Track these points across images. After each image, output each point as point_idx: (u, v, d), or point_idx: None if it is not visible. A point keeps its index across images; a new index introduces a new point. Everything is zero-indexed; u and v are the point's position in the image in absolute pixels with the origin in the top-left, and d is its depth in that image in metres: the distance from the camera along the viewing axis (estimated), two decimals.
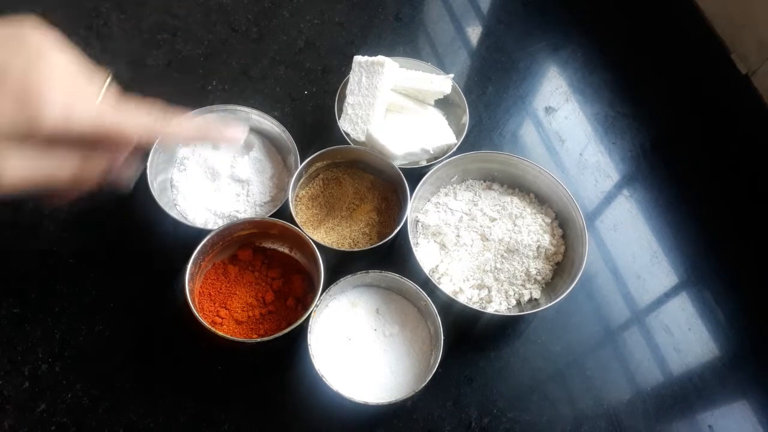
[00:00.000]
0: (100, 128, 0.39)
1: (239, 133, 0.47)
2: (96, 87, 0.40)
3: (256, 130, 0.67)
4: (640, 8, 0.90)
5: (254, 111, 0.65)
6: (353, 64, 0.65)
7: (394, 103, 0.67)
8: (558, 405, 0.58)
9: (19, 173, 0.38)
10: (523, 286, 0.61)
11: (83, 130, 0.38)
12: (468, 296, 0.59)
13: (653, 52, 0.86)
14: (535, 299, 0.61)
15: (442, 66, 0.76)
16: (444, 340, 0.53)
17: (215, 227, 0.56)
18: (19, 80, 0.36)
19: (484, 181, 0.68)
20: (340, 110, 0.66)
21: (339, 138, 0.64)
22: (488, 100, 0.79)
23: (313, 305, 0.52)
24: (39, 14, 0.81)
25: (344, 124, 0.64)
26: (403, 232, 0.58)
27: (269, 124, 0.65)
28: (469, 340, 0.60)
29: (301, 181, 0.63)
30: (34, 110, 0.36)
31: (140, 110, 0.41)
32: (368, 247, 0.59)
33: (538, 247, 0.62)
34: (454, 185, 0.67)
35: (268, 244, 0.60)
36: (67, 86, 0.38)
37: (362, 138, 0.63)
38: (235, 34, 0.80)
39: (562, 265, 0.63)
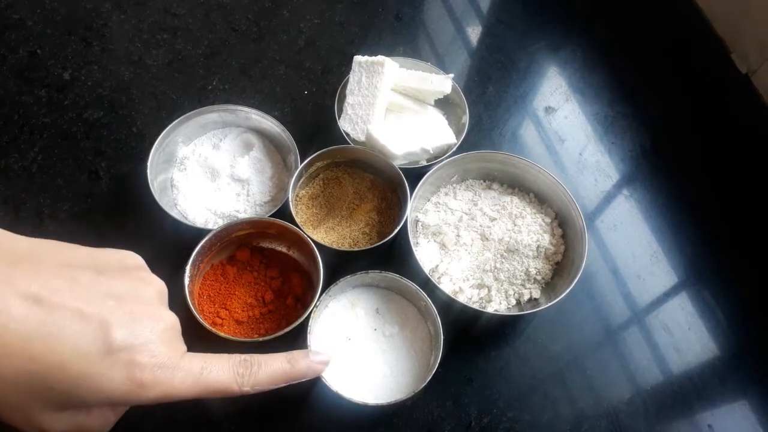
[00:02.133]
0: (216, 390, 0.39)
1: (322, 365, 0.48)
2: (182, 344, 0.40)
3: (256, 130, 0.67)
4: (640, 8, 0.90)
5: (254, 111, 0.65)
6: (353, 64, 0.65)
7: (394, 103, 0.67)
8: (558, 405, 0.58)
9: (66, 430, 0.36)
10: (522, 285, 0.61)
11: (181, 396, 0.38)
12: (468, 296, 0.60)
13: (653, 51, 0.86)
14: (535, 299, 0.61)
15: (442, 66, 0.76)
16: (444, 339, 0.53)
17: (215, 227, 0.56)
18: (127, 348, 0.35)
19: (484, 181, 0.68)
20: (340, 110, 0.66)
21: (339, 138, 0.64)
22: (488, 100, 0.79)
23: (313, 304, 0.52)
24: (39, 14, 0.81)
25: (344, 124, 0.64)
26: (403, 231, 0.58)
27: (269, 123, 0.65)
28: (469, 339, 0.60)
29: (301, 180, 0.63)
30: (140, 383, 0.35)
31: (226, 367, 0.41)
32: (368, 246, 0.59)
33: (538, 246, 0.62)
34: (454, 185, 0.67)
35: (266, 244, 0.60)
36: (175, 347, 0.38)
37: (362, 138, 0.63)
38: (235, 33, 0.80)
39: (561, 264, 0.63)
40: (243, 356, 0.41)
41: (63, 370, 0.32)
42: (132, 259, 0.40)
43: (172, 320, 0.40)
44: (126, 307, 0.36)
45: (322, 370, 0.47)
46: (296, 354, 0.44)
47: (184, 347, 0.39)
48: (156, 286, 0.41)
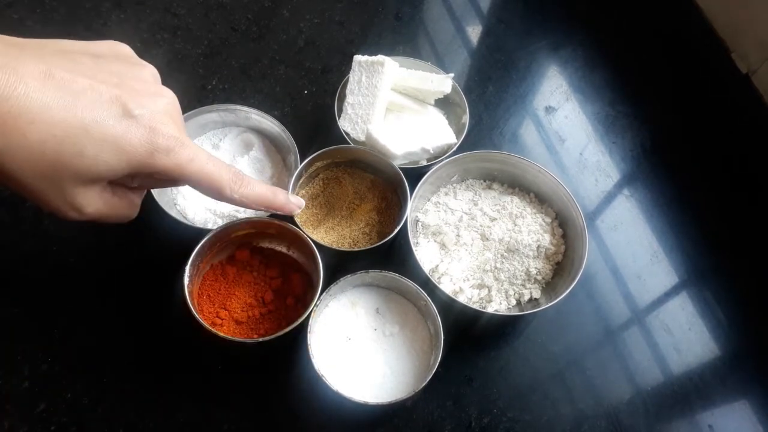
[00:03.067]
0: (210, 185, 0.44)
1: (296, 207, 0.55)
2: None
3: (256, 130, 0.67)
4: (641, 8, 0.90)
5: (254, 110, 0.65)
6: (353, 64, 0.65)
7: (394, 103, 0.67)
8: (558, 405, 0.58)
9: (102, 210, 0.40)
10: (523, 285, 0.61)
11: (185, 175, 0.41)
12: (468, 296, 0.59)
13: (653, 51, 0.86)
14: (535, 299, 0.61)
15: (442, 65, 0.76)
16: (444, 339, 0.53)
17: (215, 227, 0.56)
18: (145, 114, 0.38)
19: (484, 181, 0.68)
20: (340, 110, 0.66)
21: (339, 138, 0.64)
22: (488, 100, 0.78)
23: (313, 304, 0.52)
24: (39, 14, 0.81)
25: (344, 124, 0.64)
26: (403, 231, 0.58)
27: (269, 123, 0.65)
28: (469, 339, 0.60)
29: (301, 180, 0.63)
30: (156, 147, 0.38)
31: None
32: (368, 246, 0.59)
33: (538, 246, 0.62)
34: (454, 185, 0.67)
35: (266, 244, 0.60)
36: (179, 126, 0.41)
37: (362, 138, 0.63)
38: (235, 33, 0.80)
39: (562, 264, 0.62)
40: (238, 170, 0.46)
41: (87, 133, 0.35)
42: (123, 47, 0.42)
43: (173, 97, 0.42)
44: (129, 84, 0.38)
45: (295, 211, 0.54)
46: (279, 189, 0.52)
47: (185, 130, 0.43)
48: (150, 69, 0.43)
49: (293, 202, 0.54)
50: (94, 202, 0.39)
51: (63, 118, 0.34)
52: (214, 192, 0.45)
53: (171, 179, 0.42)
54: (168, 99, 0.41)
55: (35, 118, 0.33)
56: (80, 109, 0.35)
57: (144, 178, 0.42)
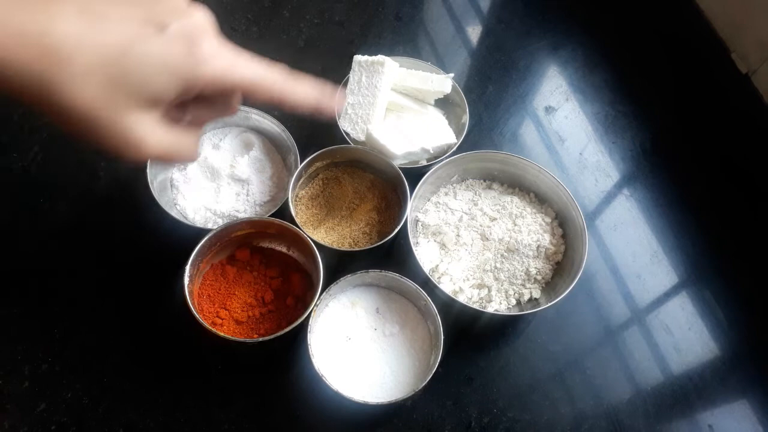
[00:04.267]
0: (261, 83, 0.43)
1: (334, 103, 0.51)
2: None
3: (256, 130, 0.67)
4: (641, 8, 0.90)
5: (254, 110, 0.65)
6: (353, 64, 0.65)
7: (394, 103, 0.67)
8: (558, 404, 0.58)
9: (162, 144, 0.40)
10: (523, 285, 0.61)
11: (242, 83, 0.41)
12: (468, 296, 0.59)
13: (653, 51, 0.86)
14: (535, 299, 0.61)
15: (442, 65, 0.76)
16: (444, 339, 0.53)
17: (215, 227, 0.56)
18: (180, 26, 0.38)
19: (484, 181, 0.68)
20: (341, 110, 0.66)
21: (339, 138, 0.64)
22: (488, 100, 0.78)
23: (313, 304, 0.52)
24: None
25: (344, 124, 0.64)
26: (403, 231, 0.58)
27: (269, 123, 0.65)
28: (469, 339, 0.60)
29: (301, 180, 0.63)
30: (199, 55, 0.38)
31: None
32: (368, 246, 0.59)
33: (538, 246, 0.62)
34: (454, 185, 0.67)
35: (266, 244, 0.60)
36: (215, 38, 0.41)
37: (362, 138, 0.63)
38: (235, 33, 0.80)
39: (562, 264, 0.62)
40: (281, 71, 0.45)
41: (129, 54, 0.35)
42: None
43: (205, 13, 0.42)
44: (160, 6, 0.38)
45: (339, 109, 0.52)
46: (324, 86, 0.49)
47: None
48: None
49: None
50: (152, 133, 0.38)
51: (104, 43, 0.35)
52: (266, 94, 0.44)
53: (220, 89, 0.42)
54: (200, 14, 0.41)
55: (78, 47, 0.34)
56: (118, 34, 0.35)
57: (199, 109, 0.43)
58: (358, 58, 0.65)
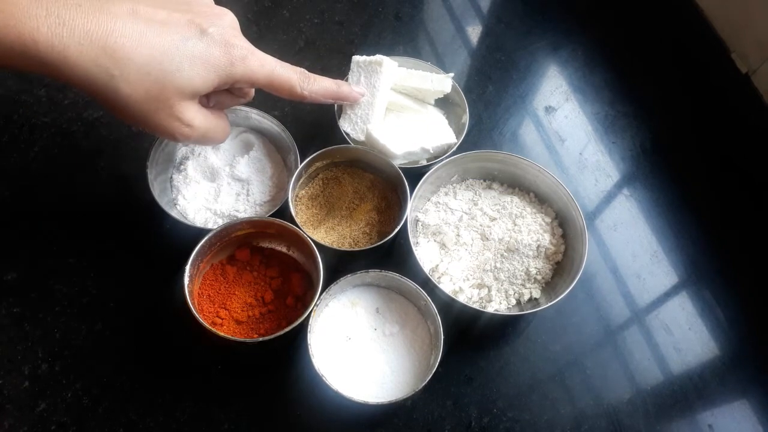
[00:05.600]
0: (285, 81, 0.50)
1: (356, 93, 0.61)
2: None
3: (256, 130, 0.67)
4: (641, 8, 0.90)
5: (254, 110, 0.65)
6: (352, 65, 0.65)
7: (394, 103, 0.67)
8: (558, 404, 0.58)
9: (204, 125, 0.46)
10: (523, 285, 0.61)
11: (268, 80, 0.49)
12: (468, 296, 0.59)
13: (653, 51, 0.86)
14: (535, 299, 0.61)
15: (442, 65, 0.76)
16: (444, 339, 0.53)
17: (215, 227, 0.56)
18: (218, 30, 0.44)
19: (484, 181, 0.68)
20: (340, 110, 0.66)
21: (339, 138, 0.64)
22: (488, 100, 0.78)
23: (313, 303, 0.52)
24: None
25: (344, 124, 0.64)
26: (403, 231, 0.58)
27: (269, 123, 0.65)
28: (469, 339, 0.60)
29: (301, 180, 0.63)
30: (234, 56, 0.44)
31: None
32: (368, 246, 0.59)
33: (538, 246, 0.62)
34: (454, 184, 0.67)
35: (266, 244, 0.60)
36: (246, 41, 0.48)
37: (362, 138, 0.63)
38: None
39: (562, 264, 0.63)
40: (303, 69, 0.52)
41: (179, 51, 0.41)
42: None
43: (233, 16, 0.48)
44: (196, 9, 0.44)
45: (359, 99, 0.61)
46: (341, 81, 0.59)
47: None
48: None
49: (356, 90, 0.60)
50: (195, 117, 0.45)
51: (157, 42, 0.40)
52: (286, 91, 0.50)
53: (248, 85, 0.48)
54: (230, 16, 0.47)
55: (136, 45, 0.39)
56: (167, 34, 0.41)
57: (220, 96, 0.50)
58: (356, 58, 0.65)
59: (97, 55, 0.38)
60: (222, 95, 0.50)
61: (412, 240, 0.59)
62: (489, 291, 0.60)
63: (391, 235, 0.58)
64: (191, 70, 0.42)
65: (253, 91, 0.53)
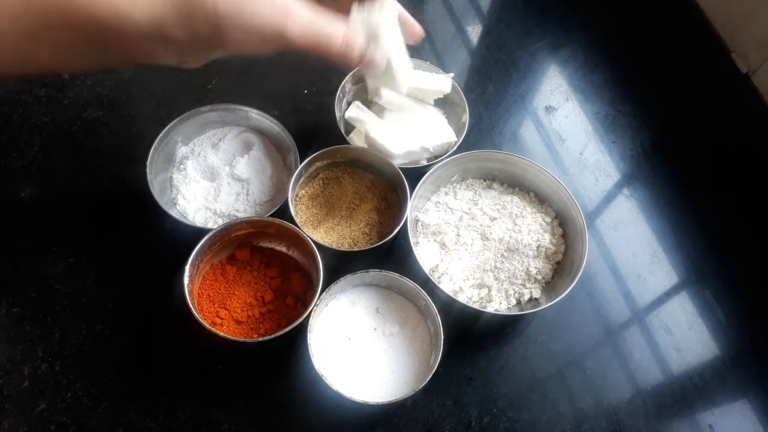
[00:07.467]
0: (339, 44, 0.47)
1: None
2: None
3: (256, 130, 0.67)
4: (641, 7, 0.90)
5: (254, 110, 0.65)
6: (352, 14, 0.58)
7: (394, 103, 0.67)
8: (558, 404, 0.58)
9: (304, 26, 0.45)
10: (523, 285, 0.61)
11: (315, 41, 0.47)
12: (468, 295, 0.59)
13: (653, 51, 0.86)
14: (535, 298, 0.61)
15: (442, 65, 0.76)
16: (444, 339, 0.53)
17: (215, 226, 0.56)
18: None
19: (484, 180, 0.68)
20: (340, 110, 0.66)
21: (339, 138, 0.64)
22: (488, 99, 0.78)
23: (313, 303, 0.52)
24: None
25: (375, 82, 0.62)
26: (403, 231, 0.58)
27: (269, 123, 0.65)
28: (469, 339, 0.60)
29: (301, 180, 0.63)
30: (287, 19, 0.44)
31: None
32: (368, 246, 0.59)
33: (538, 246, 0.62)
34: (454, 184, 0.67)
35: (266, 244, 0.60)
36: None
37: (404, 91, 0.58)
38: None
39: (562, 264, 0.62)
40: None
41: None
42: None
43: None
44: None
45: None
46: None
47: None
48: None
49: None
50: (296, 5, 0.44)
51: None
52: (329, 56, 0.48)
53: None
54: None
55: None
56: None
57: None
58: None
59: None
60: None
61: (412, 240, 0.59)
62: (489, 291, 0.60)
63: (391, 236, 0.58)
64: (252, 18, 0.43)
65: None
